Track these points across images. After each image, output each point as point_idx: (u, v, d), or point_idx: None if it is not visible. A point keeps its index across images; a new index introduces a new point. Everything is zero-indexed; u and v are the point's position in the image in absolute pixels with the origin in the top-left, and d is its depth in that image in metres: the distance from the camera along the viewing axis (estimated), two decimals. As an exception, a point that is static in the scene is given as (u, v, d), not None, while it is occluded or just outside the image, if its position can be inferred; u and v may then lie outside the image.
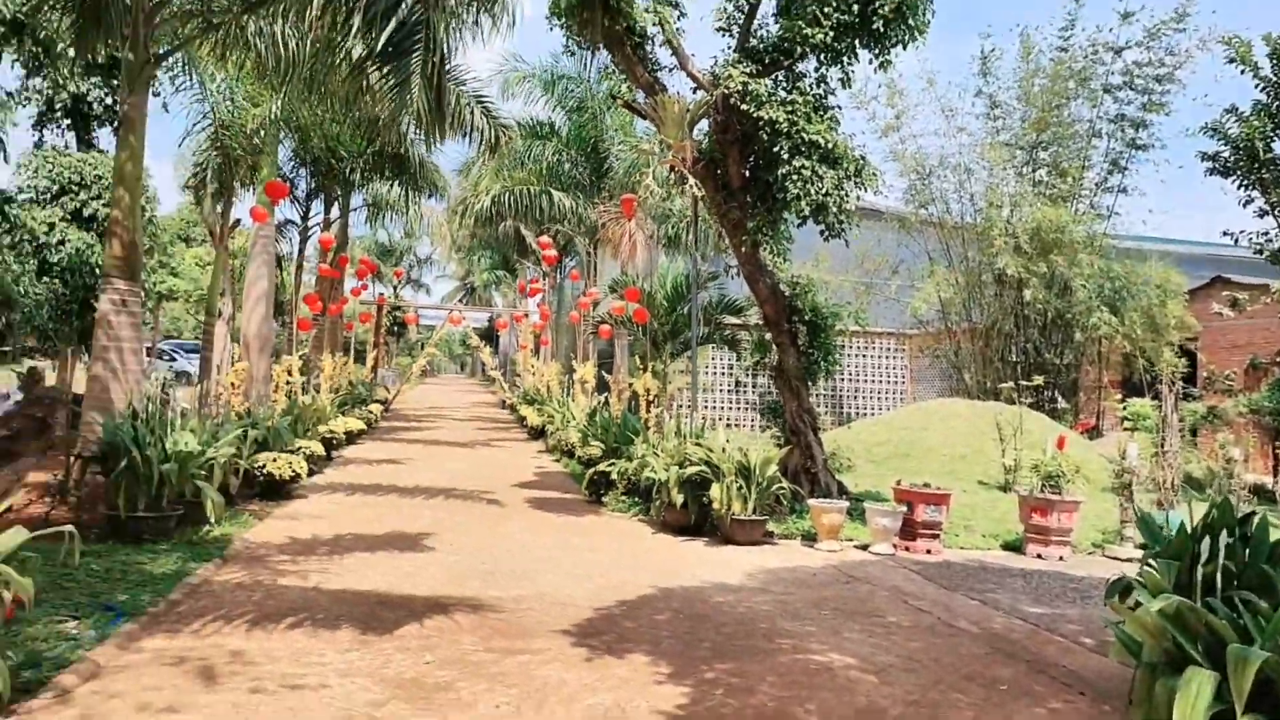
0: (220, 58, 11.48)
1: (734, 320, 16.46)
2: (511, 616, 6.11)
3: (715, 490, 9.08)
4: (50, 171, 17.81)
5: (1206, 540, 3.90)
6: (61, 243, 17.25)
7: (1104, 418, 18.88)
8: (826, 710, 4.62)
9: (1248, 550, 3.92)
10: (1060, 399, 19.40)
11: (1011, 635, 6.23)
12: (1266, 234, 14.40)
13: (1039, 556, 8.97)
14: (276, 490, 10.20)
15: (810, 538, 9.37)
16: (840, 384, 22.39)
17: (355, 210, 25.77)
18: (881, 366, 22.78)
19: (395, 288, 49.70)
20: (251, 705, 4.33)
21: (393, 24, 6.24)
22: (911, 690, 4.98)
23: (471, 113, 13.69)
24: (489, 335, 49.52)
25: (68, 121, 18.89)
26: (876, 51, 10.40)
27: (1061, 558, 8.94)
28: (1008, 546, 9.51)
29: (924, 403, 18.60)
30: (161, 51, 10.37)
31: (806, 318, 11.48)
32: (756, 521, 9.19)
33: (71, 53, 16.45)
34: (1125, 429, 14.10)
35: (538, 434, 19.60)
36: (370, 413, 19.96)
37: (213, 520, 8.04)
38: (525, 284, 30.82)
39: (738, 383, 20.96)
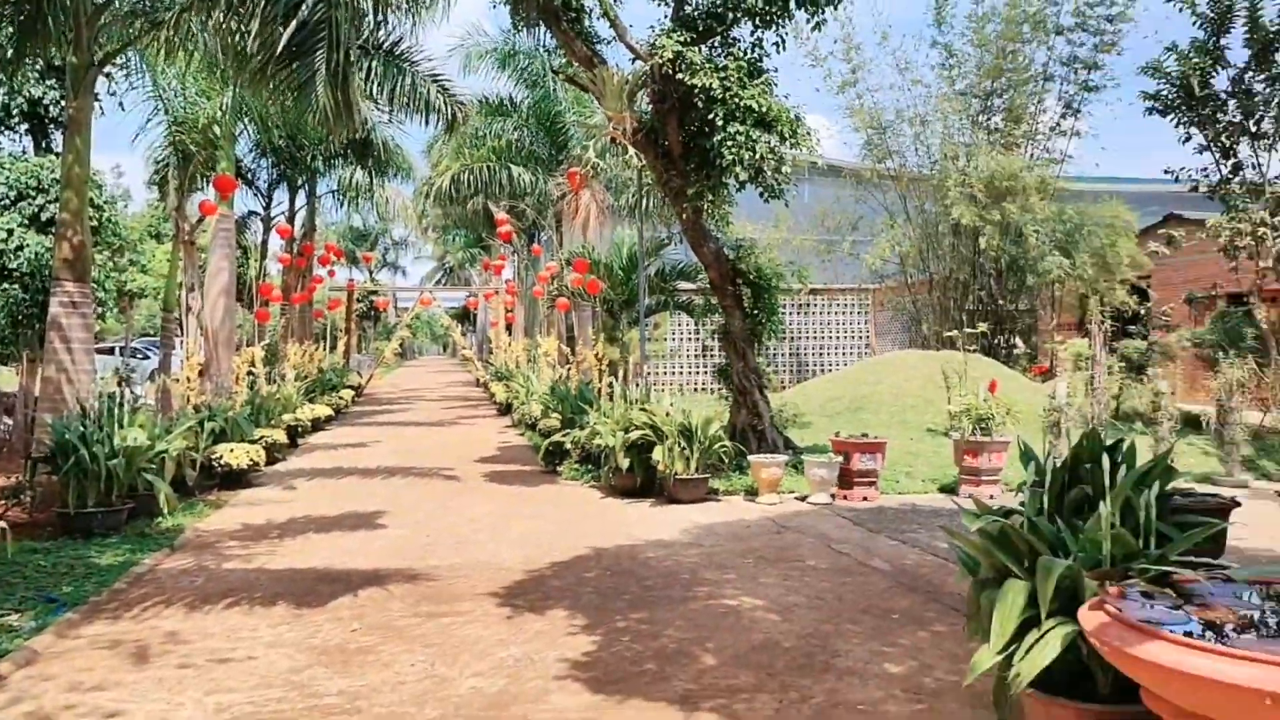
0: (167, 55, 11.41)
1: (688, 286, 16.67)
2: (444, 584, 6.40)
3: (658, 452, 9.37)
4: (7, 178, 17.78)
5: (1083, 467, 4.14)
6: (20, 248, 17.27)
7: (1056, 360, 19.27)
8: (723, 646, 4.93)
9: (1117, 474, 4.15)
10: (1019, 343, 19.76)
11: (920, 570, 6.56)
12: (1204, 170, 14.65)
13: (969, 497, 9.27)
14: (236, 480, 10.43)
15: (752, 492, 9.68)
16: (804, 342, 22.73)
17: (322, 196, 25.81)
18: (844, 323, 23.11)
19: (370, 272, 49.70)
20: (175, 679, 4.60)
21: (293, 26, 6.34)
22: (808, 625, 5.30)
23: (427, 91, 13.59)
24: (468, 315, 49.64)
25: (25, 126, 18.85)
26: (811, 12, 10.56)
27: (992, 496, 9.28)
28: (944, 489, 9.88)
29: (877, 356, 18.90)
30: (105, 54, 10.29)
31: (750, 279, 11.72)
32: (699, 480, 9.50)
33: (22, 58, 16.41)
34: (1071, 368, 14.44)
35: (506, 409, 19.72)
36: (341, 399, 20.19)
37: (165, 512, 8.29)
38: (490, 262, 30.96)
39: (704, 348, 21.23)
